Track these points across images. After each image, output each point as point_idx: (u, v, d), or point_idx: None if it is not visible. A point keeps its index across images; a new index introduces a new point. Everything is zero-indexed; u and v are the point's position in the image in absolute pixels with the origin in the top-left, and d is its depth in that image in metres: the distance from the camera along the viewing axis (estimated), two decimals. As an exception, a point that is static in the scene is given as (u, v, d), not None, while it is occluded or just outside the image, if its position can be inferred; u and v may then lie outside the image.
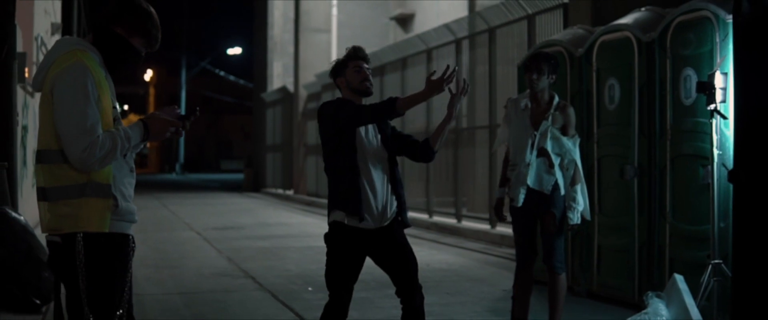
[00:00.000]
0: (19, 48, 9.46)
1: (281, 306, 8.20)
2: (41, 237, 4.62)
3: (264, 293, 8.90)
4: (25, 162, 12.18)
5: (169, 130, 3.77)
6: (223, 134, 72.32)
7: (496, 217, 6.51)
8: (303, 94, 26.02)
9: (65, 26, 15.52)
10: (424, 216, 16.05)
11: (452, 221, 15.00)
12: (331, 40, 26.84)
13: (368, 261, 5.17)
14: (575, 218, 6.20)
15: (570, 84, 8.56)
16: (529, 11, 12.58)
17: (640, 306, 6.99)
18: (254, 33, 36.50)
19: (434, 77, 4.81)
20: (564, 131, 6.23)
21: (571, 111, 6.31)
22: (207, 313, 7.88)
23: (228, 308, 8.08)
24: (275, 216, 19.85)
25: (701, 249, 6.87)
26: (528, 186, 6.17)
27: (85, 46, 3.72)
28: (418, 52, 16.98)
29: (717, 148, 6.58)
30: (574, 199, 6.18)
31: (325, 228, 5.13)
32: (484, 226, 13.70)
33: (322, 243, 5.15)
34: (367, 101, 5.26)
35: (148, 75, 67.93)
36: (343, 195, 5.01)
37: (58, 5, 16.62)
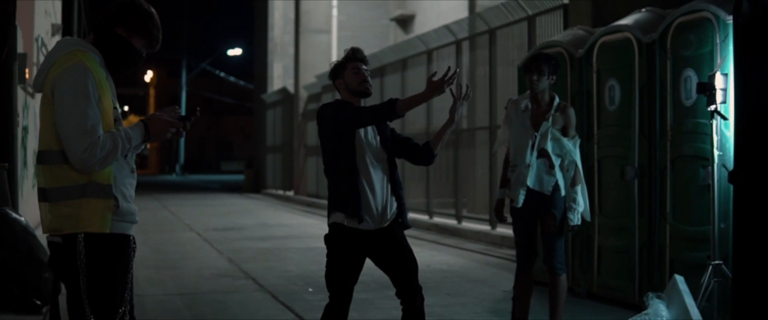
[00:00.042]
0: (20, 49, 9.47)
1: (282, 307, 8.20)
2: (42, 237, 4.62)
3: (264, 294, 8.90)
4: (25, 163, 12.18)
5: (170, 131, 3.77)
6: (223, 135, 72.33)
7: (497, 218, 6.51)
8: (303, 95, 26.02)
9: (65, 27, 15.53)
10: (425, 217, 16.04)
11: (452, 222, 14.99)
12: (331, 41, 26.84)
13: (368, 262, 5.17)
14: (575, 219, 6.20)
15: (570, 85, 8.56)
16: (530, 12, 12.58)
17: (640, 307, 6.99)
18: (254, 34, 36.53)
19: (435, 78, 4.81)
20: (564, 132, 6.24)
21: (572, 112, 6.32)
22: (207, 314, 7.88)
23: (228, 309, 8.09)
24: (276, 217, 19.85)
25: (701, 250, 6.87)
26: (528, 187, 6.17)
27: (85, 47, 3.72)
28: (418, 53, 16.98)
29: (717, 148, 6.58)
30: (574, 200, 6.18)
31: (326, 230, 5.14)
32: (485, 227, 13.70)
33: (322, 244, 5.15)
34: (366, 103, 5.26)
35: (149, 76, 67.94)
36: (343, 196, 5.02)
37: (59, 6, 16.62)
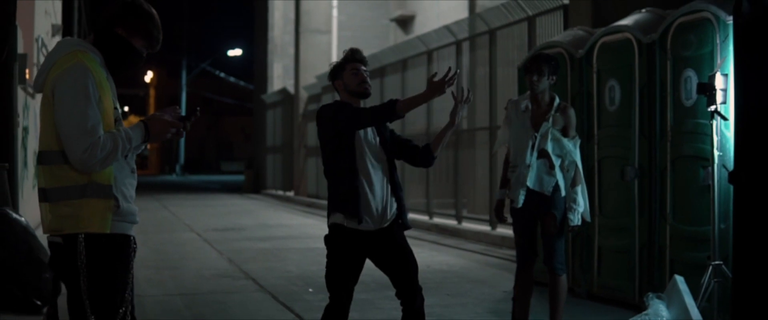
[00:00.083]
0: (20, 49, 9.47)
1: (282, 307, 8.21)
2: (42, 238, 4.62)
3: (264, 294, 8.90)
4: (25, 164, 12.18)
5: (170, 131, 3.77)
6: (223, 135, 72.33)
7: (497, 219, 6.51)
8: (303, 95, 26.02)
9: (66, 27, 15.54)
10: (425, 218, 16.04)
11: (453, 222, 14.99)
12: (331, 42, 26.84)
13: (368, 262, 5.17)
14: (576, 219, 6.20)
15: (570, 85, 8.56)
16: (530, 13, 12.58)
17: (640, 307, 6.99)
18: (254, 34, 36.53)
19: (436, 79, 4.81)
20: (564, 132, 6.24)
21: (572, 112, 6.32)
22: (207, 314, 7.88)
23: (228, 309, 8.09)
24: (276, 217, 19.85)
25: (702, 251, 6.87)
26: (528, 188, 6.17)
27: (86, 47, 3.72)
28: (418, 54, 16.98)
29: (717, 149, 6.58)
30: (574, 201, 6.18)
31: (326, 230, 5.14)
32: (485, 228, 13.70)
33: (322, 245, 5.15)
34: (365, 103, 5.26)
35: (149, 76, 67.95)
36: (343, 197, 5.02)
37: (59, 6, 16.62)
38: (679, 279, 6.54)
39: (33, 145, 13.04)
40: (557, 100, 6.29)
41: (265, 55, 33.33)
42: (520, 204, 6.19)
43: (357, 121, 4.98)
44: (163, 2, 48.76)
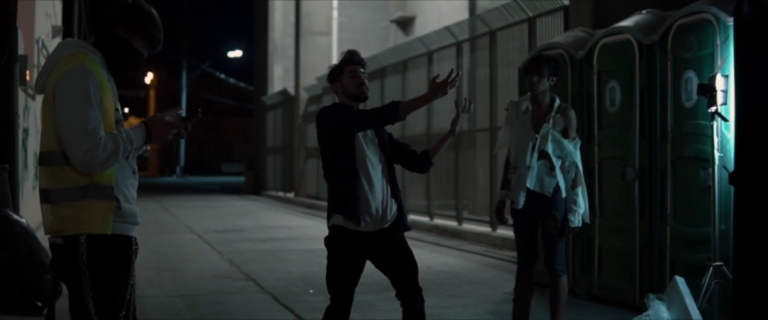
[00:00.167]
0: (21, 51, 9.47)
1: (282, 308, 8.21)
2: (43, 239, 4.62)
3: (265, 295, 8.90)
4: (26, 165, 12.19)
5: (171, 132, 3.77)
6: (223, 137, 72.33)
7: (498, 220, 6.51)
8: (303, 96, 26.03)
9: (66, 28, 15.53)
10: (425, 219, 16.04)
11: (453, 224, 14.99)
12: (331, 43, 26.85)
13: (369, 264, 5.17)
14: (576, 221, 6.20)
15: (571, 86, 8.56)
16: (530, 14, 12.58)
17: (641, 309, 6.99)
18: (255, 36, 36.53)
19: (438, 80, 4.81)
20: (565, 134, 6.24)
21: (572, 113, 6.32)
22: (208, 315, 7.88)
23: (229, 310, 8.09)
24: (276, 218, 19.85)
25: (702, 252, 6.87)
26: (528, 189, 6.17)
27: (86, 49, 3.72)
28: (418, 55, 16.99)
29: (718, 150, 6.58)
30: (575, 202, 6.18)
31: (326, 231, 5.14)
32: (485, 229, 13.70)
33: (323, 246, 5.15)
34: (365, 106, 5.26)
35: (149, 77, 67.96)
36: (342, 198, 5.02)
37: (59, 7, 16.64)
38: (680, 280, 6.54)
39: (33, 146, 13.05)
40: (558, 102, 6.29)
41: (266, 57, 33.33)
42: (520, 206, 6.19)
43: (358, 122, 4.98)
44: (164, 3, 48.78)
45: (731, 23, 6.45)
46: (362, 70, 5.15)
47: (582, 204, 6.22)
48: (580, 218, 6.23)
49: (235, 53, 53.66)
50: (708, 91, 6.49)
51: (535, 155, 6.17)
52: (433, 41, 16.28)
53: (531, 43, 12.43)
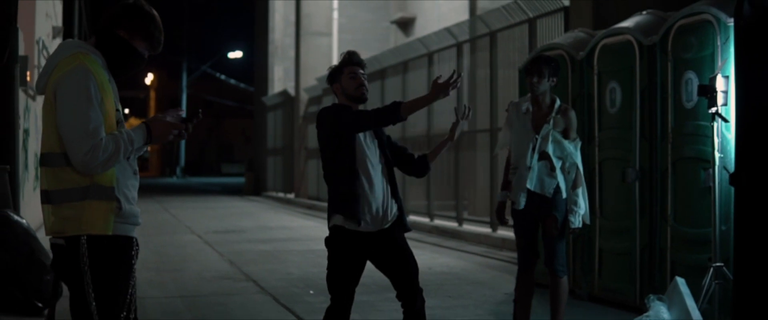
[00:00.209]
0: (21, 51, 9.48)
1: (283, 309, 8.21)
2: (44, 240, 4.63)
3: (265, 296, 8.90)
4: (26, 166, 12.19)
5: (172, 133, 3.77)
6: (224, 138, 72.32)
7: (498, 220, 6.51)
8: (304, 97, 26.03)
9: (66, 29, 15.54)
10: (426, 220, 16.04)
11: (453, 224, 15.00)
12: (332, 44, 26.86)
13: (369, 264, 5.17)
14: (577, 221, 6.20)
15: (571, 87, 8.56)
16: (530, 15, 12.59)
17: (641, 309, 6.99)
18: (255, 36, 36.53)
19: (440, 80, 4.81)
20: (565, 134, 6.24)
21: (573, 114, 6.32)
22: (208, 316, 7.88)
23: (229, 311, 8.09)
24: (276, 219, 19.85)
25: (703, 252, 6.87)
26: (529, 190, 6.17)
27: (87, 49, 3.72)
28: (419, 56, 16.99)
29: (718, 151, 6.58)
30: (575, 203, 6.18)
31: (326, 232, 5.14)
32: (486, 230, 13.70)
33: (323, 246, 5.16)
34: (365, 107, 5.26)
35: (149, 78, 67.96)
36: (343, 198, 5.02)
37: (60, 8, 16.65)
38: (680, 281, 6.54)
39: (34, 147, 13.05)
40: (558, 102, 6.29)
41: (266, 58, 33.33)
42: (521, 206, 6.19)
43: (358, 123, 4.98)
44: (164, 4, 48.79)
45: (731, 24, 6.45)
46: (362, 71, 5.15)
47: (582, 205, 6.22)
48: (580, 219, 6.23)
49: (236, 54, 53.64)
50: (708, 92, 6.50)
51: (536, 156, 6.17)
52: (433, 42, 16.29)
53: (531, 44, 12.43)
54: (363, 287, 5.87)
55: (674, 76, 7.30)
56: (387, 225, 5.08)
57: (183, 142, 53.77)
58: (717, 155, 6.58)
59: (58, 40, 15.82)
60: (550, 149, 6.17)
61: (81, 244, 3.62)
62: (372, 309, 7.94)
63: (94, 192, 3.61)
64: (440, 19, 21.96)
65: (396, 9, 26.24)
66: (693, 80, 7.04)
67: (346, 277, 5.04)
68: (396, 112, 4.85)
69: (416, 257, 5.20)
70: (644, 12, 8.16)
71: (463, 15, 19.16)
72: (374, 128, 5.06)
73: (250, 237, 15.08)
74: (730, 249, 6.41)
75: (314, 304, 8.20)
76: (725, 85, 6.45)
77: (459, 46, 15.30)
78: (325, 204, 5.50)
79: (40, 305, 7.29)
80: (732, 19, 6.37)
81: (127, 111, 67.23)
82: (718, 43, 6.73)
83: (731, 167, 6.31)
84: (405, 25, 25.91)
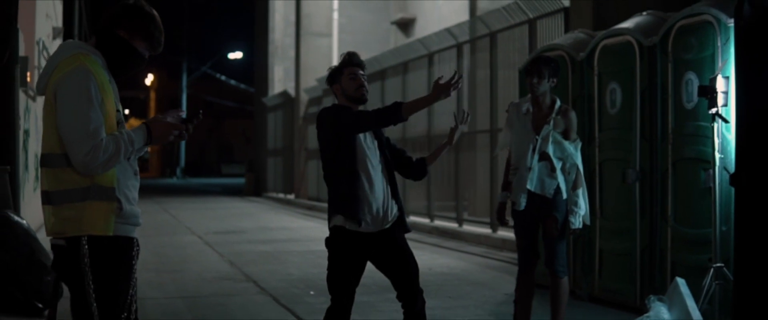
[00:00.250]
0: (21, 52, 9.49)
1: (283, 309, 8.21)
2: (44, 240, 4.63)
3: (266, 297, 8.90)
4: (26, 167, 12.19)
5: (173, 134, 3.77)
6: (224, 138, 72.33)
7: (498, 221, 6.51)
8: (304, 98, 26.03)
9: (67, 30, 15.56)
10: (426, 221, 16.04)
11: (453, 225, 15.00)
12: (332, 45, 26.86)
13: (369, 265, 5.17)
14: (577, 222, 6.20)
15: (571, 88, 8.56)
16: (531, 15, 12.59)
17: (641, 310, 6.99)
18: (255, 37, 36.52)
19: (442, 81, 4.81)
20: (566, 135, 6.24)
21: (573, 115, 6.32)
22: (209, 317, 7.88)
23: (230, 312, 8.09)
24: (277, 220, 19.85)
25: (703, 253, 6.87)
26: (529, 190, 6.17)
27: (88, 50, 3.72)
28: (419, 57, 16.99)
29: (718, 151, 6.58)
30: (576, 203, 6.18)
31: (327, 233, 5.14)
32: (486, 230, 13.70)
33: (323, 247, 5.16)
34: (363, 108, 5.26)
35: (149, 79, 67.96)
36: (343, 198, 5.02)
37: (60, 9, 16.65)
38: (681, 282, 6.54)
39: (34, 147, 13.05)
40: (558, 103, 6.29)
41: (266, 58, 33.32)
42: (521, 207, 6.19)
43: (359, 123, 4.98)
44: (164, 4, 48.80)
45: (732, 25, 6.45)
46: (362, 72, 5.15)
47: (583, 206, 6.22)
48: (580, 220, 6.23)
49: (236, 55, 53.63)
50: (709, 93, 6.50)
51: (536, 157, 6.17)
52: (433, 43, 16.29)
53: (531, 45, 12.43)
54: (363, 287, 5.87)
55: (674, 76, 7.30)
56: (387, 226, 5.08)
57: (183, 143, 53.75)
58: (717, 156, 6.58)
59: (59, 41, 15.82)
60: (550, 150, 6.17)
61: (82, 245, 3.62)
62: (372, 310, 7.94)
63: (94, 193, 3.61)
64: (440, 20, 21.96)
65: (396, 9, 26.24)
66: (693, 81, 7.04)
67: (346, 278, 5.04)
68: (397, 112, 4.85)
69: (416, 258, 5.20)
70: (644, 13, 8.16)
71: (464, 16, 19.16)
72: (375, 129, 5.06)
73: (251, 238, 15.08)
74: (730, 250, 6.41)
75: (314, 305, 8.20)
76: (725, 85, 6.45)
77: (459, 47, 15.30)
78: (326, 205, 5.50)
79: (40, 306, 7.29)
80: (732, 20, 6.37)
81: (127, 111, 67.18)
82: (719, 44, 6.73)
83: (731, 168, 6.31)
84: (405, 25, 25.91)
